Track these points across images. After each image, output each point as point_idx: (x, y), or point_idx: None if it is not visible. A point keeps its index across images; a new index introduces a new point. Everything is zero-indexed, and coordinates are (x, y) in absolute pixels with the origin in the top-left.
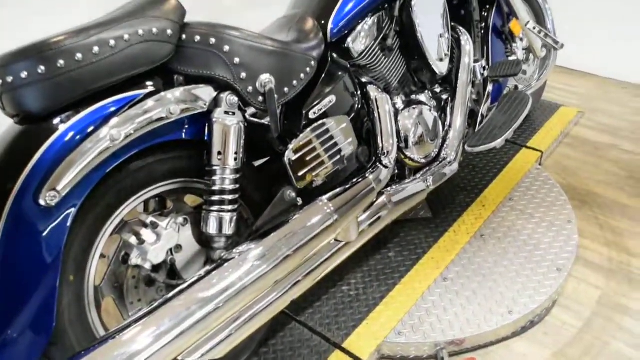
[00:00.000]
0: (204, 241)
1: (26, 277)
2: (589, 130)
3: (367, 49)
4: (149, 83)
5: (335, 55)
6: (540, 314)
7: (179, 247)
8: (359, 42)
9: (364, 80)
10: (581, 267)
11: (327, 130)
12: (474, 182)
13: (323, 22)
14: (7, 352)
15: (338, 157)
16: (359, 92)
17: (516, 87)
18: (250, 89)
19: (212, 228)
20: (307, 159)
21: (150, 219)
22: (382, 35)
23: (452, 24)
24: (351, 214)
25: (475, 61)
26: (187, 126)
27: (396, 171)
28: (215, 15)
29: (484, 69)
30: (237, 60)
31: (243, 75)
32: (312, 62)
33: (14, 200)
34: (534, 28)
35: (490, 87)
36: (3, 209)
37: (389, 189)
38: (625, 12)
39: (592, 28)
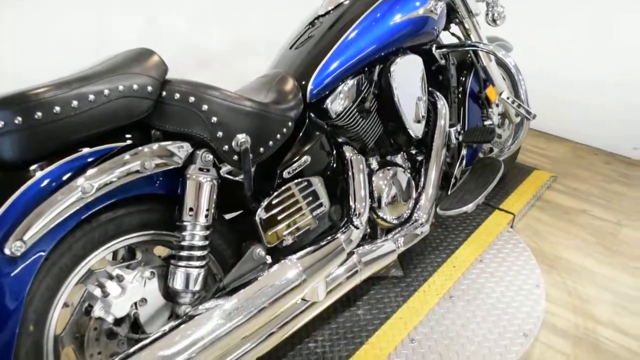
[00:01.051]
0: (170, 295)
1: None
2: (560, 195)
3: (345, 111)
4: (126, 136)
5: (313, 116)
6: None
7: (143, 301)
8: (338, 103)
9: (340, 140)
10: (548, 332)
11: (300, 191)
12: (446, 242)
13: (303, 82)
14: None
15: (309, 217)
16: (334, 153)
17: (491, 150)
18: (226, 147)
19: (178, 283)
20: (278, 218)
21: (116, 272)
22: (360, 98)
23: (430, 89)
24: (320, 274)
25: (451, 125)
26: (160, 180)
27: (368, 230)
28: (202, 63)
29: (459, 133)
30: (214, 119)
31: (220, 134)
32: (289, 123)
33: None
34: (508, 98)
35: (464, 151)
36: None
37: (359, 248)
38: (597, 81)
39: (566, 94)
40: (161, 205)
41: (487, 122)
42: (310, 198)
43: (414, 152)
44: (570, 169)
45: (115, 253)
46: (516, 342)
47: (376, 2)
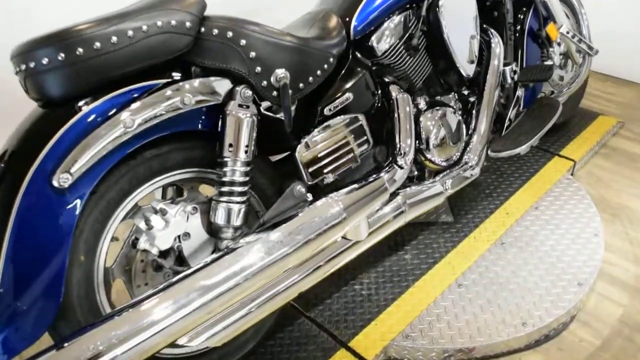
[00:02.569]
0: (213, 231)
1: (37, 254)
2: (627, 142)
3: (391, 48)
4: (166, 73)
5: (357, 53)
6: (557, 328)
7: (187, 235)
8: (384, 40)
9: (386, 79)
10: (605, 283)
11: (341, 128)
12: (501, 188)
13: (347, 19)
14: (17, 321)
15: (351, 155)
16: (379, 91)
17: (552, 93)
18: (264, 83)
19: (220, 218)
20: (319, 155)
21: (160, 206)
22: (407, 35)
23: (484, 25)
24: (361, 213)
25: (506, 64)
26: (202, 117)
27: (415, 172)
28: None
29: (515, 72)
30: (252, 54)
31: (258, 69)
32: (331, 59)
33: (30, 180)
34: (568, 32)
35: (520, 92)
36: (20, 187)
37: (405, 189)
38: None
39: (637, 33)
40: (203, 143)
41: (547, 62)
42: (353, 136)
43: (465, 92)
44: None
45: (164, 191)
46: (569, 291)
47: None
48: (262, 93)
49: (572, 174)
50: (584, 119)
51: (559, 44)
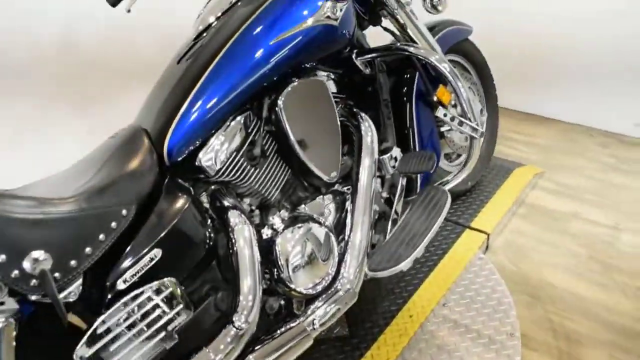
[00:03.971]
0: None
1: None
2: (548, 195)
3: (229, 163)
4: None
5: (177, 180)
6: None
7: None
8: (215, 156)
9: (225, 203)
10: None
11: (138, 307)
12: (404, 281)
13: (161, 139)
14: None
15: (161, 335)
16: (209, 225)
17: (459, 156)
18: (15, 273)
19: None
20: (110, 350)
21: None
22: (249, 142)
23: (354, 109)
24: None
25: (385, 150)
26: None
27: (282, 303)
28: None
29: (395, 159)
30: None
31: (2, 257)
32: (124, 212)
33: None
34: (445, 115)
35: (403, 181)
36: None
37: (255, 346)
38: (588, 46)
39: (552, 65)
40: None
41: (443, 129)
42: (159, 312)
43: (336, 192)
44: (562, 158)
45: None
46: None
47: (251, 17)
48: (15, 286)
49: (486, 249)
50: (499, 174)
51: (454, 106)
